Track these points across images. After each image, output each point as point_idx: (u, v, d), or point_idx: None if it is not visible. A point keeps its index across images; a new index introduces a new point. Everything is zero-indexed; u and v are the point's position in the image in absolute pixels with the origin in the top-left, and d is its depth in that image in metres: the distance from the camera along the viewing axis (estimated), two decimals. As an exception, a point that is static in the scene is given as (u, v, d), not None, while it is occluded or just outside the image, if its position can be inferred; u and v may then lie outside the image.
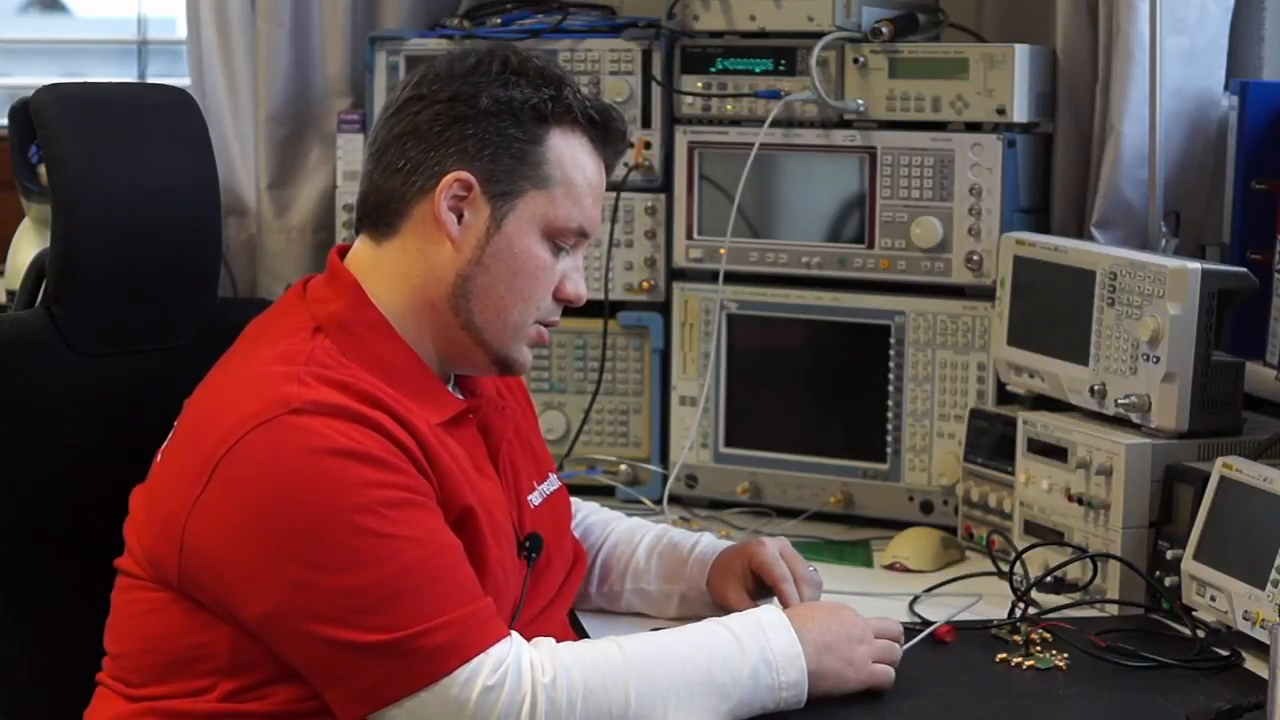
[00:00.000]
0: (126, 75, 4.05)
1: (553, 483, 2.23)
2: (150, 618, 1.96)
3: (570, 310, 2.11)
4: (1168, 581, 2.31)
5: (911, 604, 2.42)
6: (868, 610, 2.09)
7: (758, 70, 2.95)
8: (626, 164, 2.99)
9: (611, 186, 2.59)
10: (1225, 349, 2.45)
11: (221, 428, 1.88)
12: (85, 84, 2.34)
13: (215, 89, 3.38)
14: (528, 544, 2.08)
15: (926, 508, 2.85)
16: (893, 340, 2.87)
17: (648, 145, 3.02)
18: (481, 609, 1.88)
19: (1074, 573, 2.41)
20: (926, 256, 2.83)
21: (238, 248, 3.40)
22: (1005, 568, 2.42)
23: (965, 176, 2.80)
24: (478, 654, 1.84)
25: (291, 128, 3.37)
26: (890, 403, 2.87)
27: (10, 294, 3.27)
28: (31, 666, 2.16)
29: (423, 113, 2.01)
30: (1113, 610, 2.37)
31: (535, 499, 2.16)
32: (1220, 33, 2.81)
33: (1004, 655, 2.17)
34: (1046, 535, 2.52)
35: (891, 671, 2.03)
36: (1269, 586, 2.12)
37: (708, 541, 2.33)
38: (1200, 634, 2.21)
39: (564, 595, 2.19)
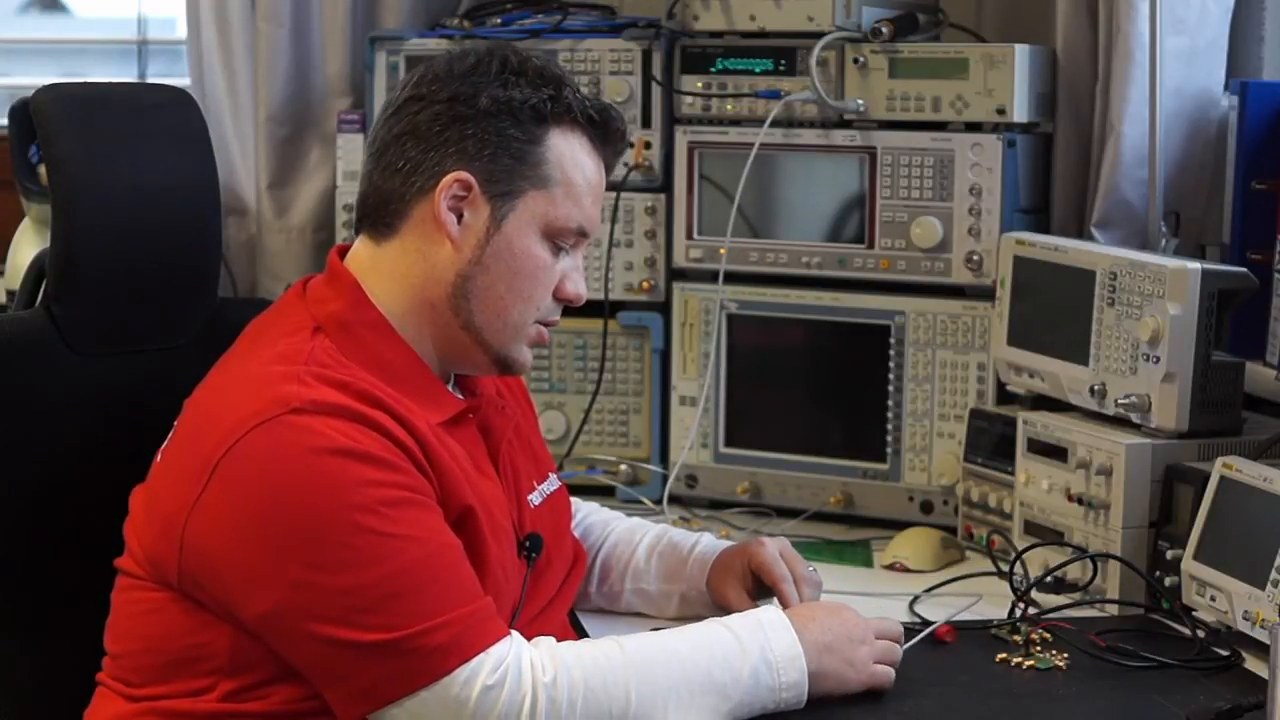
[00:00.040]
0: (126, 75, 4.05)
1: (553, 482, 2.23)
2: (150, 618, 1.96)
3: (570, 310, 2.11)
4: (1168, 581, 2.31)
5: (911, 604, 2.42)
6: (868, 610, 2.09)
7: (758, 70, 2.95)
8: (626, 164, 2.99)
9: (611, 186, 2.59)
10: (1225, 349, 2.45)
11: (221, 427, 1.88)
12: (85, 84, 2.34)
13: (215, 89, 3.38)
14: (528, 544, 2.08)
15: (926, 508, 2.85)
16: (893, 340, 2.87)
17: (648, 145, 3.02)
18: (481, 608, 1.88)
19: (1074, 573, 2.41)
20: (926, 256, 2.83)
21: (238, 248, 3.40)
22: (1005, 568, 2.42)
23: (965, 176, 2.80)
24: (478, 653, 1.84)
25: (291, 128, 3.37)
26: (890, 403, 2.87)
27: (10, 294, 3.27)
28: (31, 666, 2.16)
29: (422, 113, 2.01)
30: (1113, 610, 2.37)
31: (535, 499, 2.16)
32: (1220, 33, 2.81)
33: (1004, 655, 2.17)
34: (1046, 535, 2.52)
35: (892, 672, 2.03)
36: (1269, 586, 2.12)
37: (707, 542, 2.33)
38: (1200, 634, 2.21)
39: (564, 595, 2.19)
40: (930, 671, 2.10)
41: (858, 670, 2.01)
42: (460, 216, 2.01)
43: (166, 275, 2.25)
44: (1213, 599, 2.23)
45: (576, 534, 2.32)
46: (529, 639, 1.90)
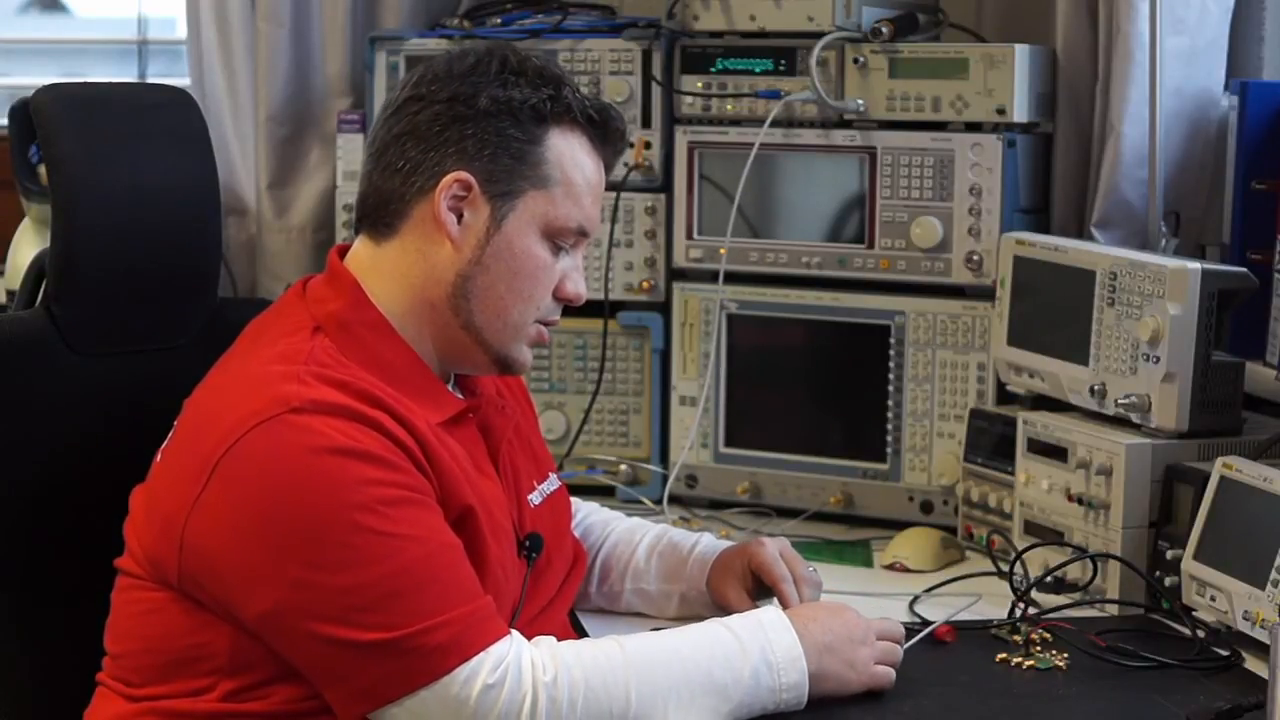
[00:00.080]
0: (126, 75, 4.05)
1: (553, 482, 2.23)
2: (150, 617, 1.96)
3: (570, 310, 2.11)
4: (1168, 581, 2.31)
5: (911, 604, 2.42)
6: (868, 610, 2.09)
7: (758, 70, 2.95)
8: (626, 164, 2.99)
9: (611, 186, 2.59)
10: (1225, 349, 2.45)
11: (221, 427, 1.88)
12: (85, 84, 2.34)
13: (215, 89, 3.38)
14: (528, 543, 2.08)
15: (926, 508, 2.85)
16: (893, 340, 2.87)
17: (648, 145, 3.02)
18: (481, 607, 1.88)
19: (1074, 573, 2.41)
20: (926, 256, 2.83)
21: (238, 248, 3.40)
22: (1005, 568, 2.42)
23: (965, 176, 2.80)
24: (478, 652, 1.84)
25: (291, 128, 3.37)
26: (890, 403, 2.87)
27: (10, 294, 3.27)
28: (31, 666, 2.16)
29: (422, 113, 2.01)
30: (1113, 610, 2.37)
31: (535, 498, 2.16)
32: (1220, 33, 2.81)
33: (1004, 655, 2.17)
34: (1046, 535, 2.52)
35: (893, 673, 2.03)
36: (1269, 586, 2.12)
37: (707, 542, 2.33)
38: (1200, 634, 2.21)
39: (564, 595, 2.19)
40: (930, 671, 2.10)
41: (858, 671, 2.00)
42: (460, 216, 2.01)
43: (166, 275, 2.25)
44: (1213, 599, 2.23)
45: (576, 534, 2.32)
46: (529, 639, 1.90)
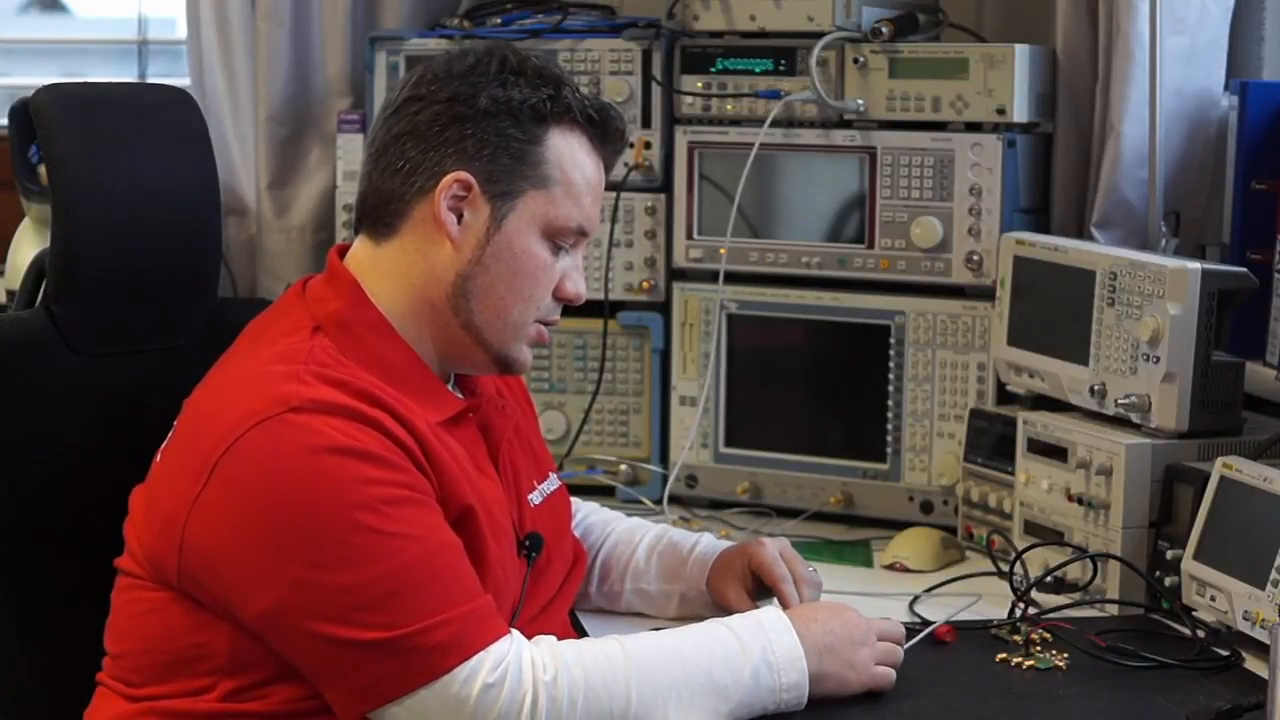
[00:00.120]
0: (126, 75, 4.05)
1: (553, 482, 2.23)
2: (150, 617, 1.96)
3: (570, 310, 2.11)
4: (1168, 581, 2.31)
5: (911, 604, 2.42)
6: (868, 610, 2.09)
7: (758, 70, 2.95)
8: (626, 164, 2.99)
9: (611, 186, 2.59)
10: (1225, 349, 2.45)
11: (221, 426, 1.88)
12: (85, 84, 2.34)
13: (215, 89, 3.38)
14: (527, 543, 2.08)
15: (926, 508, 2.85)
16: (893, 340, 2.87)
17: (648, 145, 3.02)
18: (481, 606, 1.88)
19: (1074, 573, 2.41)
20: (926, 256, 2.83)
21: (238, 248, 3.40)
22: (1005, 568, 2.42)
23: (965, 176, 2.80)
24: (478, 651, 1.84)
25: (291, 128, 3.37)
26: (890, 403, 2.87)
27: (10, 294, 3.27)
28: (31, 666, 2.16)
29: (421, 113, 2.01)
30: (1113, 610, 2.37)
31: (535, 498, 2.16)
32: (1220, 33, 2.81)
33: (1004, 655, 2.17)
34: (1046, 535, 2.52)
35: (893, 674, 2.03)
36: (1269, 586, 2.12)
37: (707, 542, 2.33)
38: (1200, 634, 2.21)
39: (564, 595, 2.19)
40: (930, 671, 2.10)
41: (858, 672, 2.00)
42: (460, 216, 2.01)
43: (166, 275, 2.25)
44: (1213, 599, 2.23)
45: (577, 534, 2.32)
46: (529, 638, 1.90)
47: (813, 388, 2.99)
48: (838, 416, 2.96)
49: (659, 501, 2.96)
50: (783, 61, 2.93)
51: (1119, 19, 2.76)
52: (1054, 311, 2.59)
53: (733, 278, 2.94)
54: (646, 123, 3.02)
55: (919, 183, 2.83)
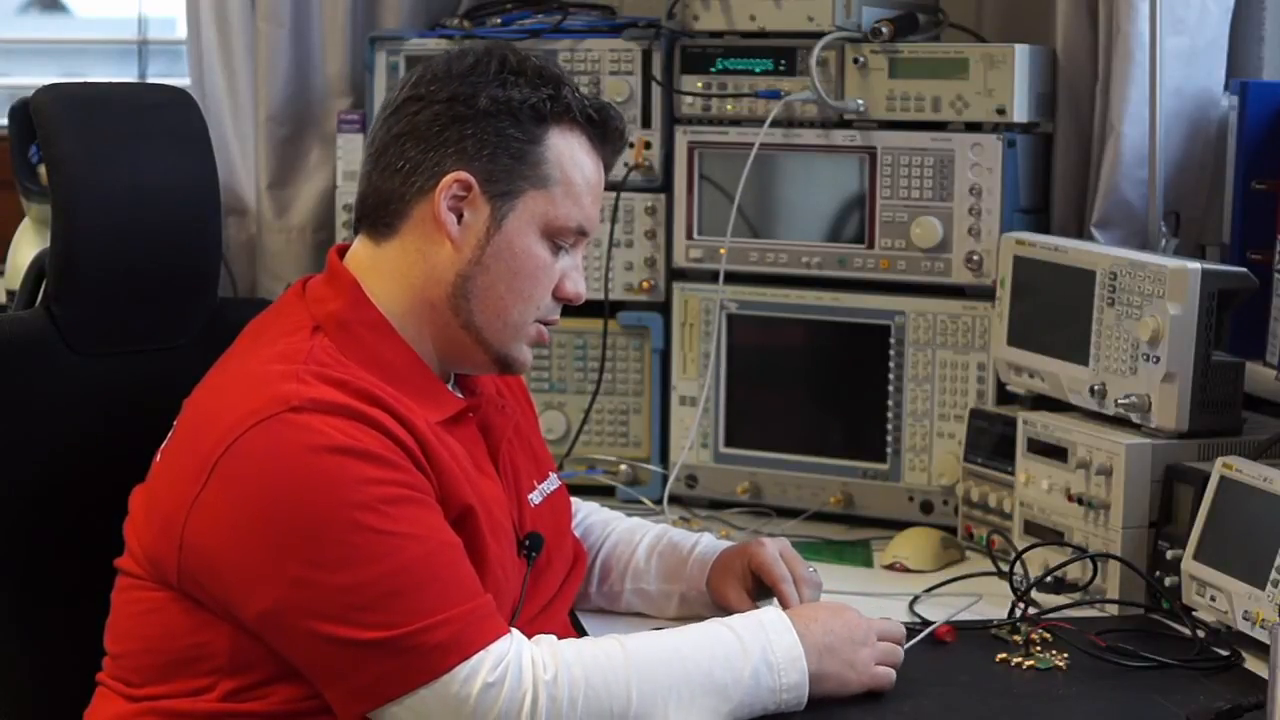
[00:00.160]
0: (126, 75, 4.05)
1: (553, 482, 2.23)
2: (150, 617, 1.96)
3: (570, 310, 2.11)
4: (1168, 581, 2.31)
5: (911, 604, 2.42)
6: (868, 610, 2.09)
7: (758, 70, 2.95)
8: (626, 164, 2.99)
9: (611, 186, 2.60)
10: (1225, 349, 2.45)
11: (220, 426, 1.88)
12: (85, 84, 2.34)
13: (215, 89, 3.38)
14: (527, 543, 2.08)
15: (926, 508, 2.85)
16: (893, 340, 2.87)
17: (648, 145, 3.02)
18: (481, 606, 1.88)
19: (1074, 573, 2.41)
20: (926, 256, 2.83)
21: (238, 248, 3.40)
22: (1005, 568, 2.42)
23: (965, 176, 2.80)
24: (478, 651, 1.84)
25: (291, 128, 3.37)
26: (890, 403, 2.87)
27: (10, 294, 3.27)
28: (31, 666, 2.16)
29: (421, 113, 2.01)
30: (1113, 610, 2.37)
31: (535, 498, 2.16)
32: (1220, 33, 2.81)
33: (1004, 655, 2.17)
34: (1046, 535, 2.52)
35: (893, 674, 2.03)
36: (1269, 586, 2.12)
37: (707, 542, 2.33)
38: (1200, 634, 2.21)
39: (564, 595, 2.19)
40: (930, 671, 2.10)
41: (859, 672, 2.00)
42: (460, 216, 2.01)
43: (166, 275, 2.25)
44: (1213, 599, 2.23)
45: (577, 534, 2.32)
46: (529, 638, 1.90)
47: (813, 388, 2.99)
48: (838, 416, 2.96)
49: (659, 501, 2.96)
50: (783, 61, 2.93)
51: (1119, 19, 2.76)
52: (1054, 311, 2.59)
53: (733, 278, 2.94)
54: (646, 123, 3.02)
55: (919, 183, 2.83)
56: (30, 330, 2.17)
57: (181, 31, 3.60)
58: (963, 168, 2.80)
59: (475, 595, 1.88)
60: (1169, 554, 2.32)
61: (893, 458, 2.88)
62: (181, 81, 3.38)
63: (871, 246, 2.88)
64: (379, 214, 2.04)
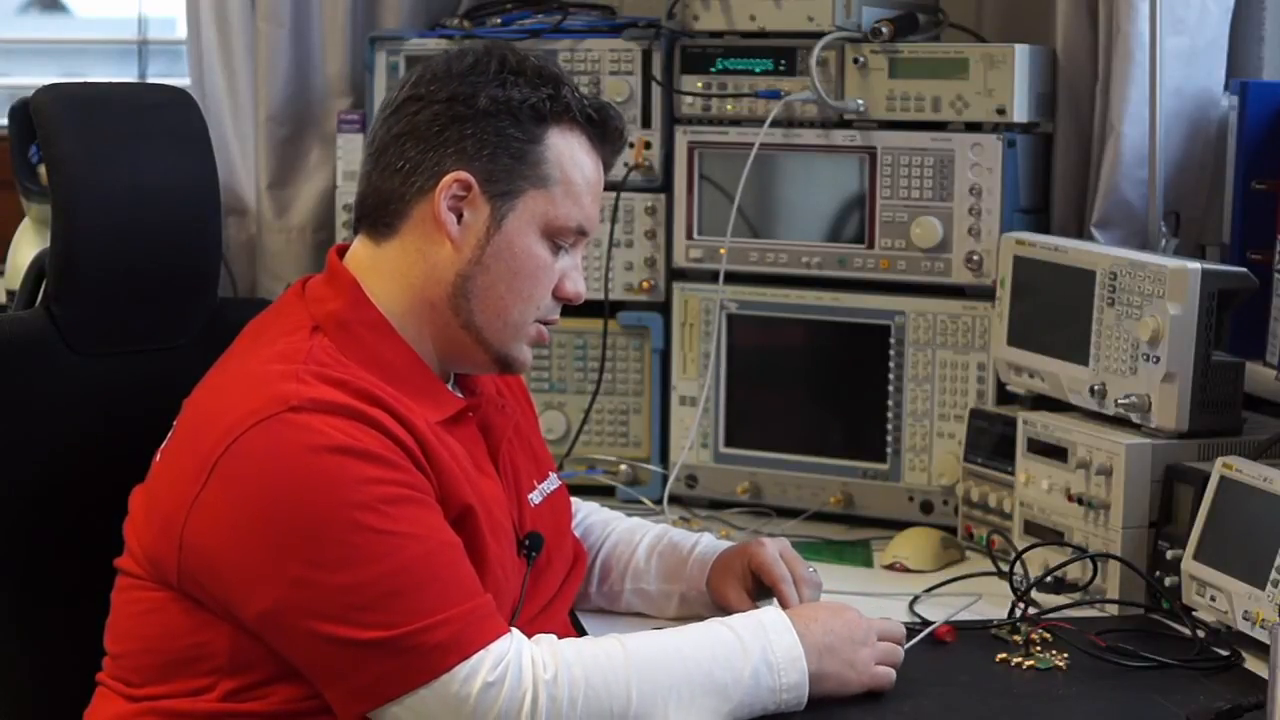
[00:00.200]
0: (126, 75, 4.05)
1: (553, 482, 2.23)
2: (150, 617, 1.96)
3: (570, 310, 2.11)
4: (1168, 581, 2.31)
5: (911, 604, 2.42)
6: (868, 610, 2.09)
7: (758, 70, 2.95)
8: (626, 164, 2.99)
9: (611, 186, 2.60)
10: (1225, 349, 2.45)
11: (220, 426, 1.88)
12: (85, 84, 2.34)
13: (215, 89, 3.38)
14: (527, 542, 2.08)
15: (926, 508, 2.85)
16: (893, 340, 2.87)
17: (648, 145, 3.02)
18: (481, 605, 1.88)
19: (1074, 573, 2.41)
20: (926, 256, 2.83)
21: (238, 248, 3.40)
22: (1005, 568, 2.42)
23: (965, 176, 2.80)
24: (478, 650, 1.84)
25: (291, 128, 3.37)
26: (890, 403, 2.87)
27: (10, 294, 3.27)
28: (31, 666, 2.16)
29: (421, 113, 2.01)
30: (1113, 610, 2.37)
31: (535, 498, 2.16)
32: (1220, 33, 2.81)
33: (1004, 655, 2.17)
34: (1046, 535, 2.52)
35: (893, 674, 2.03)
36: (1269, 586, 2.12)
37: (708, 542, 2.33)
38: (1200, 634, 2.21)
39: (564, 594, 2.19)
40: (930, 671, 2.10)
41: (859, 672, 2.00)
42: (460, 216, 2.01)
43: (166, 275, 2.25)
44: (1213, 599, 2.23)
45: (577, 534, 2.32)
46: (529, 638, 1.90)
47: (813, 388, 2.99)
48: (838, 416, 2.96)
49: (659, 501, 2.96)
50: (783, 61, 2.93)
51: (1119, 19, 2.76)
52: (1054, 311, 2.59)
53: (733, 278, 2.94)
54: (646, 123, 3.02)
55: (919, 183, 2.83)
56: (30, 330, 2.17)
57: (181, 31, 3.60)
58: (963, 168, 2.80)
59: (475, 595, 1.88)
60: (1169, 554, 2.32)
61: (893, 458, 2.88)
62: (181, 81, 3.38)
63: (871, 246, 2.88)
64: (379, 214, 2.04)
